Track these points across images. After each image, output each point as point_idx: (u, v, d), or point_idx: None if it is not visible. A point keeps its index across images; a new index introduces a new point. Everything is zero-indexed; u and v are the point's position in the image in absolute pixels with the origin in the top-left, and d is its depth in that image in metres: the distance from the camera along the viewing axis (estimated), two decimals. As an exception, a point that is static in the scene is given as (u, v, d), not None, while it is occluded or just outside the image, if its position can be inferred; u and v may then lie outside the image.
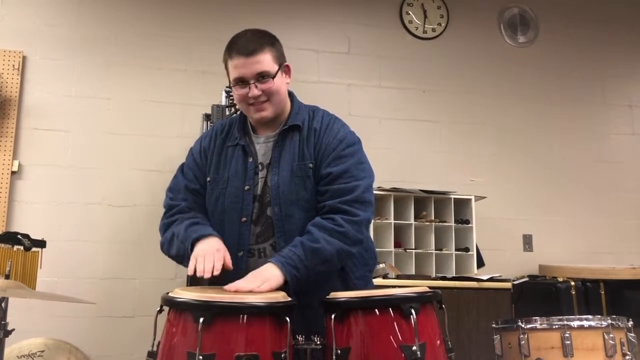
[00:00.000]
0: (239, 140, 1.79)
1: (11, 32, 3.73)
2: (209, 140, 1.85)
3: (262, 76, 1.69)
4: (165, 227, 1.79)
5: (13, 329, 2.21)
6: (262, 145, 1.79)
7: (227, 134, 1.84)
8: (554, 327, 1.96)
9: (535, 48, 4.56)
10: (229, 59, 1.72)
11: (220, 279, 1.57)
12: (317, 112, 1.83)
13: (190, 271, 1.56)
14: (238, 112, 1.89)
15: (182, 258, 1.68)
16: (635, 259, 4.21)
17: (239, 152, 1.78)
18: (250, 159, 1.76)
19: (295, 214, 1.69)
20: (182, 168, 1.88)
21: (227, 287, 1.50)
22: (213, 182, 1.78)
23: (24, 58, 3.71)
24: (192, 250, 1.63)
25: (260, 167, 1.76)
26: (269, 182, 1.73)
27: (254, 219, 1.73)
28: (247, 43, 1.69)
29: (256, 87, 1.69)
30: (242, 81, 1.70)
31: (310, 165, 1.72)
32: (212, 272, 1.54)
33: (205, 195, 1.80)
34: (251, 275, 1.55)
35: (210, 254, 1.58)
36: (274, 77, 1.71)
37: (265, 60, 1.69)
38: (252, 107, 1.73)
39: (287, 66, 1.80)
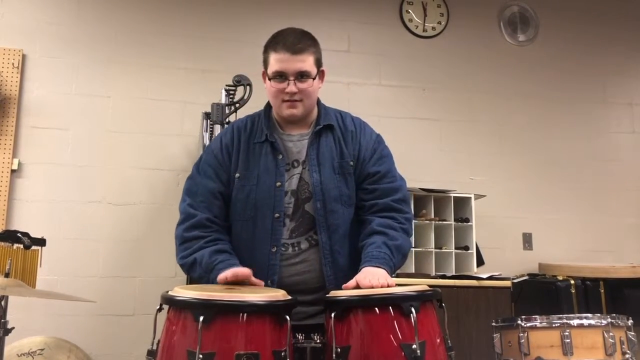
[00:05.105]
0: (268, 136, 1.80)
1: (11, 30, 3.73)
2: (231, 137, 1.85)
3: (302, 75, 1.74)
4: (182, 241, 1.76)
5: (13, 328, 2.22)
6: (295, 143, 1.82)
7: (250, 130, 1.84)
8: (553, 325, 1.96)
9: (536, 46, 4.55)
10: (273, 51, 1.75)
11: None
12: (344, 114, 1.92)
13: (220, 281, 1.58)
14: (264, 107, 1.89)
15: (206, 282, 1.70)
16: (635, 258, 4.21)
17: (267, 148, 1.80)
18: (280, 156, 1.79)
19: (338, 210, 1.76)
20: (197, 167, 1.86)
21: (362, 284, 1.53)
22: (243, 178, 1.78)
23: (24, 56, 3.71)
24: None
25: (295, 163, 1.80)
26: (306, 178, 1.78)
27: (289, 214, 1.77)
28: (295, 40, 1.73)
29: (295, 84, 1.73)
30: (281, 76, 1.74)
31: (351, 163, 1.81)
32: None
33: (225, 193, 1.80)
34: (371, 275, 1.56)
35: (239, 270, 1.60)
36: (313, 78, 1.76)
37: (309, 61, 1.74)
38: (285, 103, 1.77)
39: (323, 71, 1.84)
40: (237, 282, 1.57)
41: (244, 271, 1.57)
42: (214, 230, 1.76)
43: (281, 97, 1.76)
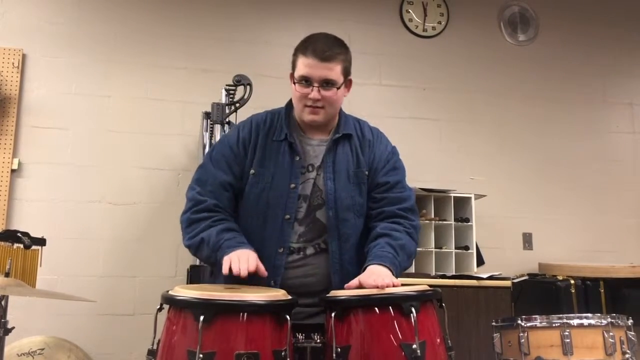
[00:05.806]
0: (288, 136, 1.79)
1: (11, 29, 3.73)
2: (249, 131, 1.83)
3: (327, 83, 1.73)
4: (189, 223, 1.75)
5: (13, 327, 2.22)
6: (314, 147, 1.81)
7: (270, 127, 1.83)
8: (553, 325, 1.96)
9: (536, 46, 4.55)
10: (302, 55, 1.74)
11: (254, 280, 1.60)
12: (362, 123, 1.92)
13: (225, 270, 1.57)
14: (285, 106, 1.88)
15: (213, 264, 1.69)
16: (635, 258, 4.21)
17: (285, 148, 1.79)
18: (298, 158, 1.78)
19: (350, 219, 1.76)
20: (210, 157, 1.85)
21: (366, 284, 1.52)
22: (258, 175, 1.77)
23: (24, 56, 3.71)
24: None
25: (310, 168, 1.79)
26: (320, 185, 1.77)
27: (299, 218, 1.76)
28: (325, 47, 1.72)
29: (319, 91, 1.72)
30: (306, 81, 1.73)
31: (366, 172, 1.81)
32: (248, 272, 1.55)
33: (235, 186, 1.79)
34: (375, 274, 1.55)
35: (245, 256, 1.59)
36: (338, 87, 1.74)
37: (336, 69, 1.73)
38: (308, 108, 1.76)
39: (350, 80, 1.83)
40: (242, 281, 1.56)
41: (252, 268, 1.56)
42: (221, 213, 1.75)
43: (304, 101, 1.75)
